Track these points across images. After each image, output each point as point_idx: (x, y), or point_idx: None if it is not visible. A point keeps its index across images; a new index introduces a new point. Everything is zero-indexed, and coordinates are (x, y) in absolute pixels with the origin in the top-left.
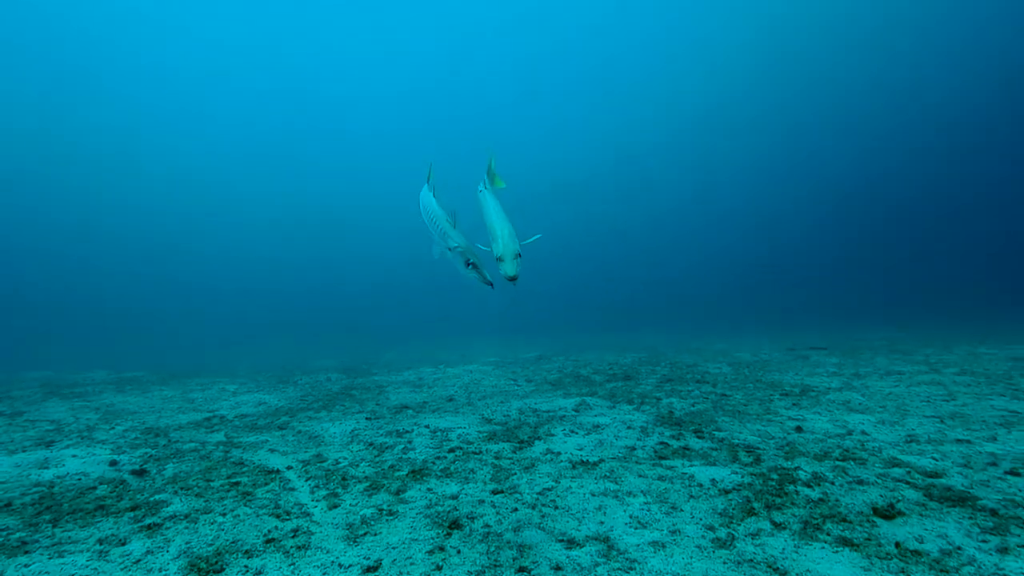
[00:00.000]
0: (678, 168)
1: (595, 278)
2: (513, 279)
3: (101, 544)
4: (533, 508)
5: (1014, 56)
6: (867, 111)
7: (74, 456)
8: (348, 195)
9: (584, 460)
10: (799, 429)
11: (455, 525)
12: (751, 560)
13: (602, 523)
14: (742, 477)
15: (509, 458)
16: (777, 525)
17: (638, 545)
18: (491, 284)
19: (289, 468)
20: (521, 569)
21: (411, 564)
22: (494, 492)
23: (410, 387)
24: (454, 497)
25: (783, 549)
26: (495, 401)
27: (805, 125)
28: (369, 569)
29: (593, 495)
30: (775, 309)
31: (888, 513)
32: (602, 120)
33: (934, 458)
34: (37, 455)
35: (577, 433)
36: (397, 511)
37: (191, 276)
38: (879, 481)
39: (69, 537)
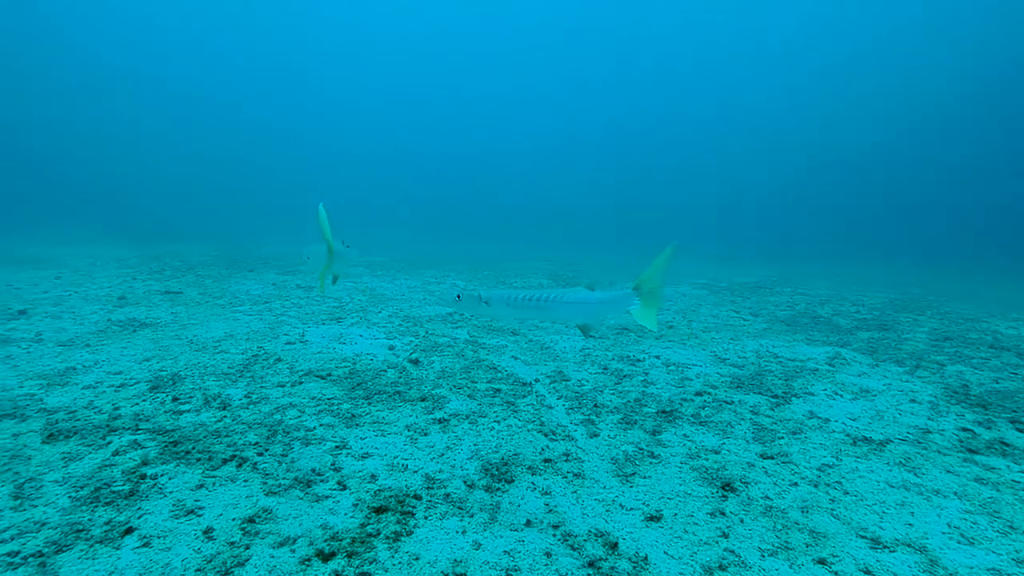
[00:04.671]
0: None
1: (812, 198)
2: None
3: (409, 431)
4: (816, 487)
5: None
6: None
7: (360, 336)
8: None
9: (865, 436)
10: None
11: (728, 487)
12: None
13: (911, 525)
14: None
15: (769, 416)
16: None
17: (971, 568)
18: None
19: (537, 381)
20: (820, 561)
21: (694, 524)
22: (762, 456)
23: None
24: (716, 452)
25: None
26: (723, 337)
27: None
28: (651, 518)
29: (890, 486)
30: None
31: None
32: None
33: None
34: (334, 329)
35: (842, 396)
36: (659, 455)
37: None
38: None
39: (383, 418)
